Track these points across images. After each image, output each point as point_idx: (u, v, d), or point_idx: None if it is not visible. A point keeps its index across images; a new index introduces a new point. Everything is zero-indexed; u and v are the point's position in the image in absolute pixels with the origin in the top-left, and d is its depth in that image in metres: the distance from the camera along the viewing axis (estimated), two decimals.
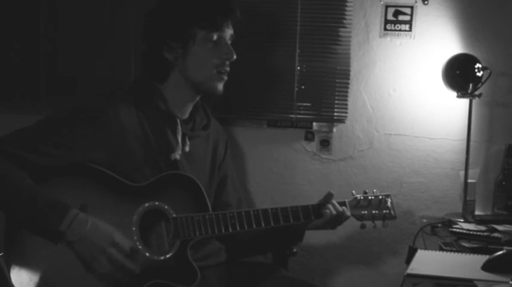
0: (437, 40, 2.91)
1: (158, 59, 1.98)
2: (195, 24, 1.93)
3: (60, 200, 1.78)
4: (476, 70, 2.76)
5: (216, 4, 1.96)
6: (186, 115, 2.05)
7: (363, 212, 2.14)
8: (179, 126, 1.99)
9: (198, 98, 2.06)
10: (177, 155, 1.97)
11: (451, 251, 2.35)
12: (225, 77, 2.01)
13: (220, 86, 2.00)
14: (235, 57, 1.99)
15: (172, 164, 1.97)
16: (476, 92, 2.76)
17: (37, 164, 1.82)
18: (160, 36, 1.96)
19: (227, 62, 1.99)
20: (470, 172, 2.83)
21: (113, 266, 1.79)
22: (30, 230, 1.79)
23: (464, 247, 2.37)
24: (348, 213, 2.10)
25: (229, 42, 2.00)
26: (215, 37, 1.96)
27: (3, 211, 1.81)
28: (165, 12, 1.97)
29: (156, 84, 2.00)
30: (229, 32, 1.99)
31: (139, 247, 1.86)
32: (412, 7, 2.92)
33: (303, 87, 3.00)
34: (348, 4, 2.95)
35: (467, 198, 2.81)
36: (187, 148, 2.01)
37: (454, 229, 2.56)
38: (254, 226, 1.98)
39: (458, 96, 2.79)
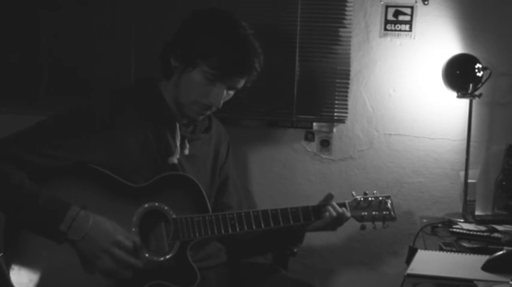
0: (437, 40, 2.91)
1: (165, 59, 1.97)
2: (203, 58, 1.88)
3: (60, 199, 1.79)
4: (476, 70, 2.76)
5: (232, 61, 1.89)
6: (186, 119, 2.04)
7: (362, 213, 2.14)
8: (178, 130, 1.98)
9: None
10: (175, 159, 1.97)
11: (451, 251, 2.35)
12: (206, 114, 1.98)
13: (197, 118, 1.99)
14: (219, 107, 1.95)
15: (171, 167, 1.97)
16: (476, 92, 2.76)
17: (38, 166, 1.82)
18: (176, 44, 1.94)
19: (213, 107, 1.95)
20: (470, 172, 2.82)
21: (116, 264, 1.80)
22: (31, 230, 1.79)
23: (465, 247, 2.37)
24: (348, 214, 2.10)
25: (228, 92, 1.95)
26: (214, 81, 1.90)
27: (4, 211, 1.81)
28: (192, 30, 1.93)
29: (159, 86, 2.00)
30: (235, 85, 1.94)
31: (139, 244, 1.86)
32: (412, 7, 2.92)
33: (303, 87, 3.00)
34: (348, 4, 2.94)
35: (468, 198, 2.81)
36: (186, 151, 2.00)
37: (454, 229, 2.56)
38: (254, 227, 1.98)
39: (458, 96, 2.79)
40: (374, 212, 2.15)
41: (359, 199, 2.15)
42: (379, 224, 2.17)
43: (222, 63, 1.88)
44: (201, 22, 1.94)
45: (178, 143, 1.98)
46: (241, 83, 1.96)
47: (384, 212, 2.17)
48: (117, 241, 1.79)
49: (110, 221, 1.81)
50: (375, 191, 2.19)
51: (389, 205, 2.18)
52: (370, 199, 2.16)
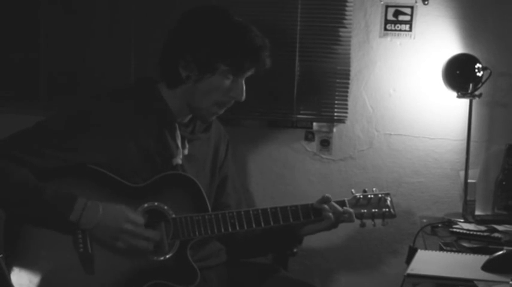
0: (437, 40, 2.91)
1: (172, 70, 1.92)
2: (222, 60, 1.87)
3: (66, 191, 1.79)
4: (476, 70, 2.76)
5: (249, 49, 1.89)
6: (186, 119, 2.04)
7: (362, 210, 2.12)
8: (178, 130, 1.98)
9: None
10: (179, 159, 1.97)
11: (451, 251, 2.35)
12: (221, 112, 1.99)
13: (211, 119, 2.00)
14: (243, 99, 1.95)
15: (172, 168, 1.97)
16: (476, 92, 2.77)
17: (37, 167, 1.81)
18: (183, 52, 1.90)
19: (233, 101, 1.96)
20: (470, 172, 2.83)
21: (134, 239, 1.81)
22: (41, 225, 1.79)
23: (464, 247, 2.37)
24: (351, 210, 2.07)
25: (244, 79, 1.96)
26: (233, 77, 1.91)
27: (10, 209, 1.81)
28: (199, 33, 1.89)
29: (158, 88, 1.98)
30: (249, 73, 1.94)
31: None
32: (412, 7, 2.92)
33: (303, 87, 3.00)
34: (348, 4, 2.95)
35: (468, 198, 2.81)
36: (186, 151, 2.00)
37: (454, 229, 2.56)
38: (254, 226, 1.97)
39: (458, 96, 2.79)
40: (373, 210, 2.14)
41: (358, 196, 2.14)
42: (378, 221, 2.15)
43: (241, 59, 1.87)
44: (204, 25, 1.91)
45: (179, 143, 1.98)
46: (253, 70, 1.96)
47: (384, 210, 2.16)
48: (129, 218, 1.81)
49: (118, 205, 1.83)
50: (374, 189, 2.18)
51: (388, 202, 2.17)
52: (369, 196, 2.15)
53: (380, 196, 2.17)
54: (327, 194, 2.06)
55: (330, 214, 2.02)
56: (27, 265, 1.81)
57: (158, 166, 1.95)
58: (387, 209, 2.16)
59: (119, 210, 1.81)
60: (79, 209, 1.77)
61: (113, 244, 1.81)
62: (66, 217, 1.76)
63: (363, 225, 2.13)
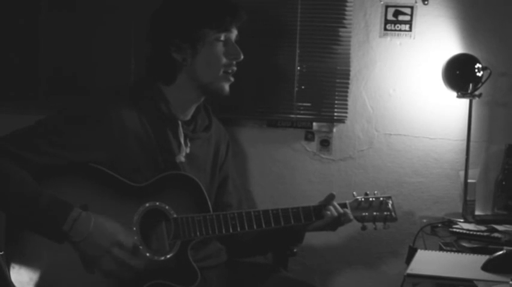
0: (437, 40, 2.91)
1: (166, 60, 1.96)
2: (206, 24, 1.94)
3: (62, 200, 1.78)
4: (476, 70, 2.76)
5: (224, 5, 1.97)
6: (188, 117, 2.05)
7: (363, 213, 2.13)
8: (180, 128, 1.98)
9: (202, 100, 2.06)
10: (182, 157, 1.97)
11: (451, 251, 2.35)
12: (232, 78, 2.02)
13: (227, 87, 2.01)
14: (242, 57, 2.00)
15: (174, 166, 1.97)
16: (476, 92, 2.77)
17: (37, 164, 1.81)
18: (169, 36, 1.95)
19: (234, 62, 2.00)
20: (470, 172, 2.83)
21: (117, 265, 1.80)
22: (32, 230, 1.79)
23: (464, 247, 2.37)
24: (351, 216, 2.09)
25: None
26: (223, 37, 1.97)
27: (4, 210, 1.81)
28: (174, 12, 1.96)
29: (159, 86, 1.99)
30: (235, 32, 2.01)
31: (140, 247, 1.86)
32: (412, 7, 2.92)
33: (303, 87, 3.00)
34: (348, 4, 2.95)
35: (467, 198, 2.81)
36: (187, 150, 2.00)
37: (454, 229, 2.57)
38: (255, 227, 1.98)
39: (458, 96, 2.79)
40: (375, 213, 2.15)
41: (360, 199, 2.15)
42: (379, 224, 2.17)
43: (221, 16, 1.94)
44: (177, 4, 1.97)
45: (182, 141, 1.98)
46: (236, 29, 2.03)
47: (385, 213, 2.17)
48: (118, 241, 1.79)
49: (111, 222, 1.81)
50: (376, 192, 2.19)
51: (390, 205, 2.18)
52: (371, 199, 2.15)
53: (381, 199, 2.18)
54: (333, 193, 2.07)
55: (329, 213, 2.03)
56: (27, 262, 1.81)
57: (160, 164, 1.95)
58: (389, 213, 2.18)
59: (110, 230, 1.80)
60: (72, 220, 1.76)
61: (95, 262, 1.79)
62: (58, 226, 1.75)
63: (364, 228, 2.14)
